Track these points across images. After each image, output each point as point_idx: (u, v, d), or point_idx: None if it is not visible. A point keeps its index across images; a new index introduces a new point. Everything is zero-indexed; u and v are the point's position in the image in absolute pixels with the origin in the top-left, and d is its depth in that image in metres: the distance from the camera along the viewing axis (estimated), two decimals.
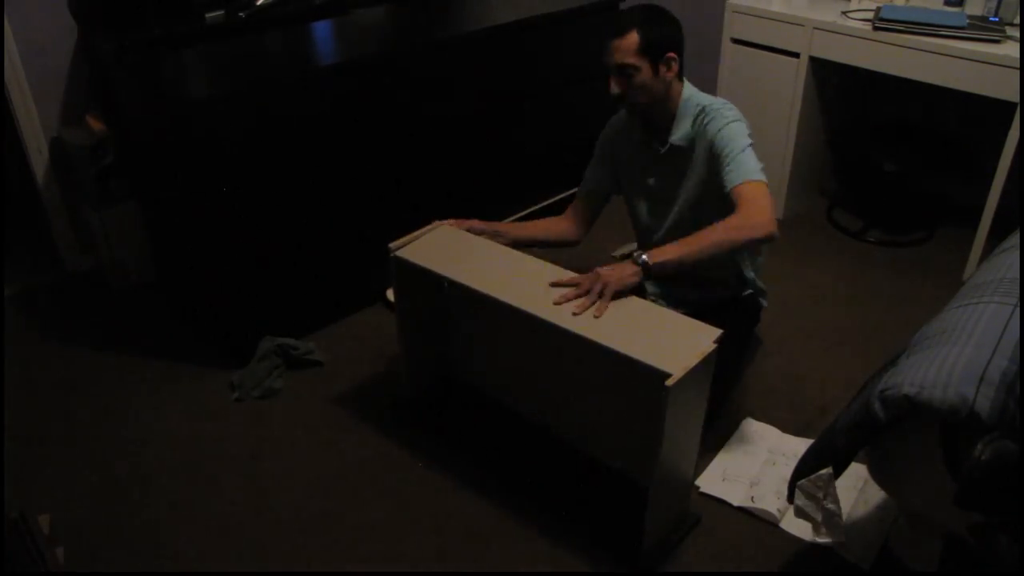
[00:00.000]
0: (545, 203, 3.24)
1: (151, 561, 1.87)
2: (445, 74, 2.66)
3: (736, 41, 3.12)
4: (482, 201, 3.01)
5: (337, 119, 2.41)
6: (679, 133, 2.08)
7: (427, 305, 2.21)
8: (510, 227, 2.30)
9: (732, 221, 1.84)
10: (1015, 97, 2.47)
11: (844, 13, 2.90)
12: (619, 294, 1.81)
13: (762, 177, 1.90)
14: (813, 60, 2.92)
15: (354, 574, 1.83)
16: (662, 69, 1.99)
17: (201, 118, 2.13)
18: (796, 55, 2.95)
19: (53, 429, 2.25)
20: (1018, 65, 2.43)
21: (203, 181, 2.23)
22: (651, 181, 2.20)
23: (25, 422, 2.28)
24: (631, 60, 1.96)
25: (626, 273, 1.82)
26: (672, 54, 2.00)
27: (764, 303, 2.34)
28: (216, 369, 2.45)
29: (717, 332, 1.68)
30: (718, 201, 2.00)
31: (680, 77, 2.06)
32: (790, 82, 3.00)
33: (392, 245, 2.06)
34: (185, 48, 2.47)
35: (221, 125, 2.17)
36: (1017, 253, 1.78)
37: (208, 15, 2.53)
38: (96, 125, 2.67)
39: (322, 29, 2.75)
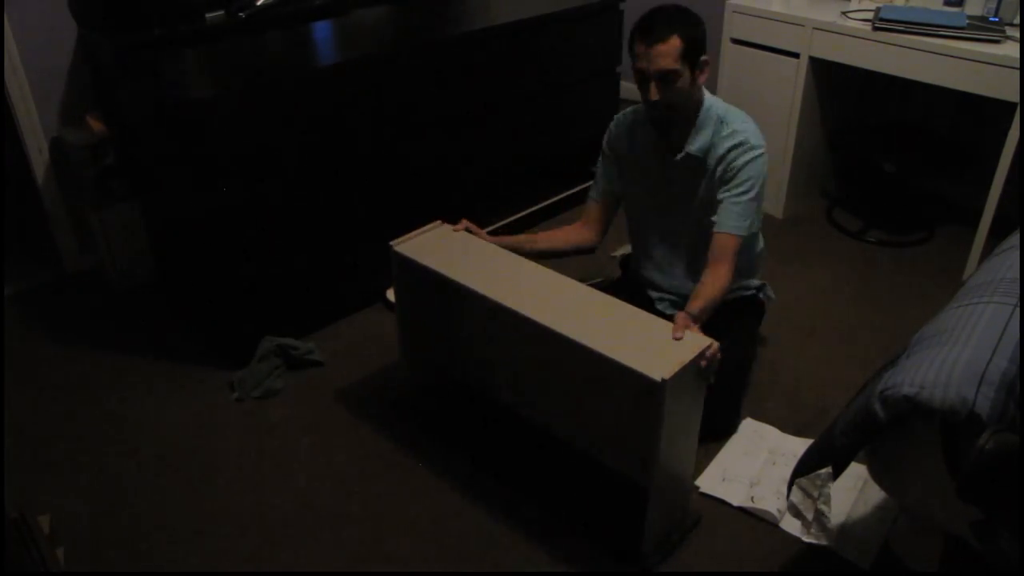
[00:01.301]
0: (545, 203, 3.25)
1: (151, 561, 1.87)
2: (445, 74, 2.66)
3: (736, 41, 3.13)
4: (482, 201, 3.02)
5: (337, 119, 2.41)
6: (697, 144, 2.04)
7: (427, 304, 2.21)
8: (530, 239, 2.28)
9: (722, 281, 1.98)
10: (1015, 97, 2.47)
11: (844, 13, 2.90)
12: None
13: (744, 232, 2.01)
14: (813, 60, 2.93)
15: (354, 574, 1.83)
16: (697, 74, 1.96)
17: (201, 118, 2.13)
18: (796, 55, 2.95)
19: (53, 429, 2.25)
20: (1018, 65, 2.43)
21: (203, 181, 2.23)
22: (656, 185, 2.18)
23: (25, 422, 2.28)
24: (674, 66, 1.90)
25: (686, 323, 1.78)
26: (706, 57, 1.97)
27: (770, 295, 2.34)
28: (216, 369, 2.45)
29: (708, 340, 1.67)
30: (711, 214, 2.05)
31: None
32: (790, 82, 3.00)
33: (393, 242, 2.05)
34: (185, 48, 2.47)
35: (221, 125, 2.17)
36: (1017, 253, 1.78)
37: (208, 15, 2.53)
38: (96, 125, 2.67)
39: (322, 29, 2.75)
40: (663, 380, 1.54)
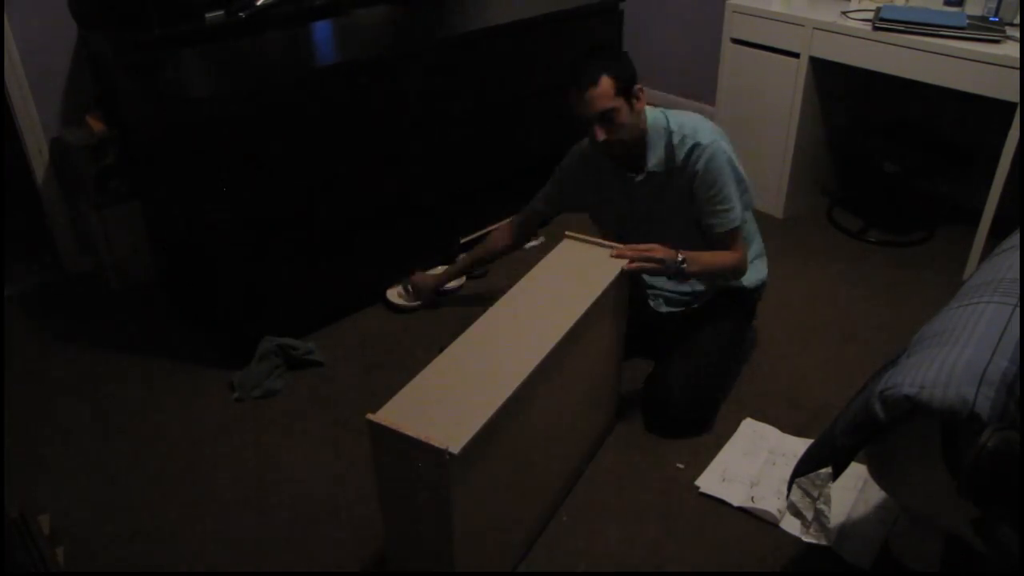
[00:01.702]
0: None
1: (151, 561, 1.87)
2: (445, 74, 2.66)
3: (736, 41, 3.12)
4: (482, 201, 3.02)
5: (337, 119, 2.41)
6: (653, 160, 2.11)
7: None
8: (464, 258, 2.65)
9: (731, 261, 2.12)
10: (1015, 97, 2.47)
11: (844, 13, 2.90)
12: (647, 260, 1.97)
13: (739, 220, 2.10)
14: (813, 60, 2.92)
15: (354, 574, 1.83)
16: (635, 103, 2.02)
17: (201, 118, 2.13)
18: (796, 55, 2.95)
19: (54, 429, 2.25)
20: (1018, 65, 2.43)
21: (203, 181, 2.23)
22: (626, 205, 2.23)
23: (26, 422, 2.28)
24: (611, 104, 1.97)
25: (668, 262, 1.99)
26: (638, 85, 2.04)
27: (757, 281, 2.35)
28: (216, 369, 2.45)
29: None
30: (692, 226, 2.12)
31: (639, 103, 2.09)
32: (790, 82, 3.00)
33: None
34: (185, 48, 2.47)
35: (221, 125, 2.17)
36: (1017, 253, 1.78)
37: (208, 15, 2.53)
38: (96, 125, 2.67)
39: (322, 29, 2.75)
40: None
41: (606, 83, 1.96)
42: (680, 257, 2.01)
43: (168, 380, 2.43)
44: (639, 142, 2.09)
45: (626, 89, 1.99)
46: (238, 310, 2.43)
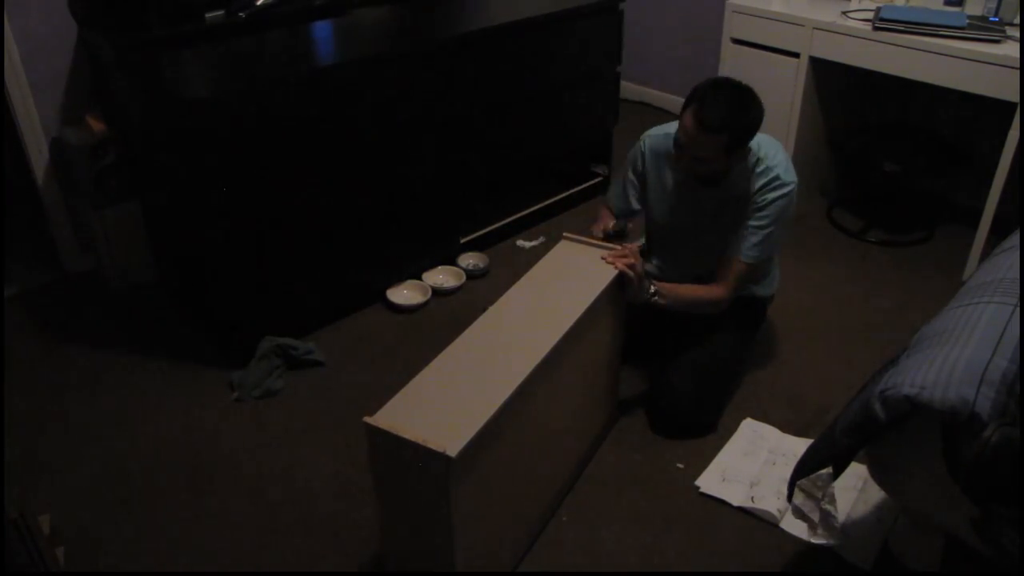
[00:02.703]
0: (546, 202, 3.25)
1: (151, 561, 1.87)
2: (445, 74, 2.66)
3: (736, 41, 3.12)
4: (482, 200, 3.02)
5: (337, 119, 2.41)
6: (732, 183, 2.09)
7: None
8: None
9: (711, 297, 2.12)
10: (1015, 97, 2.47)
11: (844, 13, 2.90)
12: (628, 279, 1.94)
13: (752, 262, 2.09)
14: (813, 60, 2.92)
15: (353, 574, 1.83)
16: (735, 158, 2.00)
17: (201, 118, 2.13)
18: (796, 55, 2.95)
19: (53, 429, 2.25)
20: (1018, 65, 2.43)
21: (203, 181, 2.23)
22: (683, 209, 2.21)
23: (25, 422, 2.28)
24: (712, 156, 1.95)
25: (640, 287, 1.99)
26: (749, 147, 2.00)
27: (770, 292, 2.34)
28: (216, 369, 2.45)
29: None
30: (733, 233, 2.10)
31: None
32: (790, 82, 3.00)
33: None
34: (185, 48, 2.47)
35: (221, 125, 2.17)
36: (1017, 253, 1.78)
37: (208, 15, 2.53)
38: (96, 125, 2.67)
39: (322, 29, 2.75)
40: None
41: (721, 140, 1.91)
42: (652, 288, 2.01)
43: (168, 380, 2.43)
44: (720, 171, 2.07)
45: (736, 149, 1.96)
46: (238, 310, 2.43)
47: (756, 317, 2.37)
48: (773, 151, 2.07)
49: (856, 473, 1.98)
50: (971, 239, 2.74)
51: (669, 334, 2.31)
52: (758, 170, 2.05)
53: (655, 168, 2.22)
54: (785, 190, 2.04)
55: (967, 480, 1.31)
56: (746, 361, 2.41)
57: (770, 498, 1.96)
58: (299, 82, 2.31)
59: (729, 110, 1.90)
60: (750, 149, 2.04)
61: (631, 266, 1.94)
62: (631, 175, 2.27)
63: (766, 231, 2.07)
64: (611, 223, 2.23)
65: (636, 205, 2.30)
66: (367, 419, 1.50)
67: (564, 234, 2.08)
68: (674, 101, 4.06)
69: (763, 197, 2.05)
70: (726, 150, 1.94)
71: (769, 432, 2.19)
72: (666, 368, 2.22)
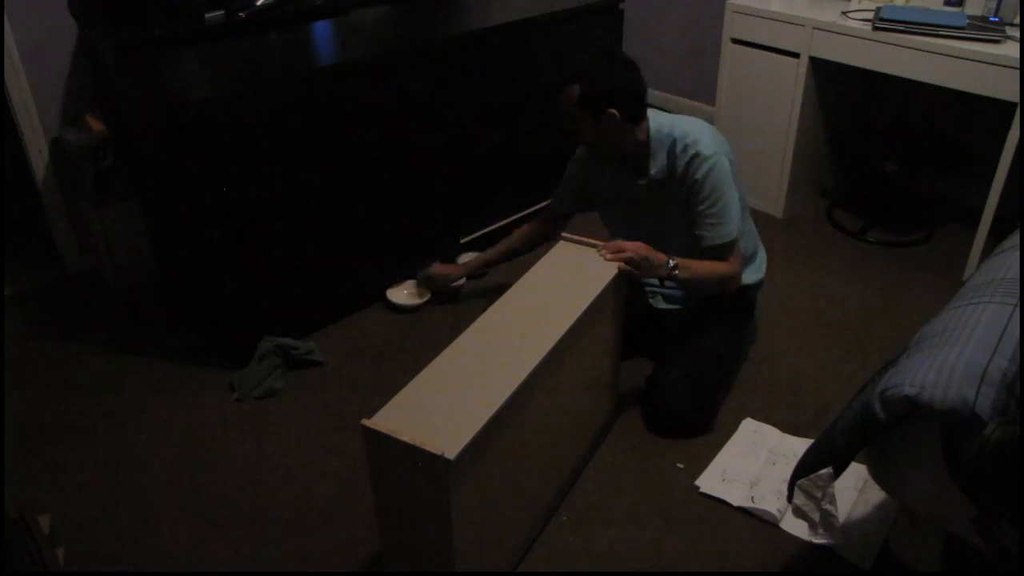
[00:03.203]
0: (545, 203, 3.24)
1: (151, 561, 1.87)
2: (445, 74, 2.66)
3: (736, 41, 3.12)
4: (482, 200, 3.01)
5: (337, 119, 2.41)
6: (656, 168, 2.10)
7: None
8: (491, 251, 2.65)
9: (725, 271, 2.11)
10: (1015, 97, 2.47)
11: (844, 13, 2.89)
12: (633, 268, 1.97)
13: (733, 234, 2.08)
14: (813, 60, 2.92)
15: (353, 574, 1.83)
16: (603, 121, 2.02)
17: (201, 118, 2.13)
18: (796, 55, 2.95)
19: (53, 429, 2.25)
20: (1018, 65, 2.43)
21: (203, 181, 2.23)
22: (629, 204, 2.23)
23: (25, 422, 2.28)
24: (570, 109, 2.03)
25: (654, 265, 2.00)
26: (612, 110, 2.00)
27: (756, 279, 2.34)
28: (216, 369, 2.45)
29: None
30: (689, 234, 2.12)
31: (635, 120, 2.05)
32: (790, 82, 3.00)
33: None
34: (185, 48, 2.47)
35: (221, 125, 2.17)
36: (1017, 253, 1.78)
37: (208, 15, 2.53)
38: (96, 125, 2.67)
39: (322, 29, 2.75)
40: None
41: (572, 91, 2.00)
42: (672, 263, 2.02)
43: (168, 380, 2.43)
44: (633, 150, 2.10)
45: (593, 106, 2.00)
46: (238, 310, 2.43)
47: (745, 309, 2.37)
48: (690, 132, 2.07)
49: (856, 473, 1.98)
50: (971, 239, 2.74)
51: (662, 331, 2.32)
52: (678, 150, 2.06)
53: (596, 172, 2.28)
54: (708, 163, 2.03)
55: (967, 479, 1.31)
56: (739, 357, 2.41)
57: (770, 498, 1.96)
58: (299, 82, 2.31)
59: (582, 63, 2.00)
60: (670, 136, 2.06)
61: (628, 260, 1.96)
62: (570, 172, 2.40)
63: (716, 207, 2.06)
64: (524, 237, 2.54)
65: (571, 207, 2.46)
66: (365, 422, 1.50)
67: (562, 235, 2.08)
68: (674, 101, 4.07)
69: (692, 180, 2.06)
70: (582, 102, 1.99)
71: (769, 432, 2.19)
72: (659, 367, 2.23)
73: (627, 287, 2.07)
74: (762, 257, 2.36)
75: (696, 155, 2.04)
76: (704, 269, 2.10)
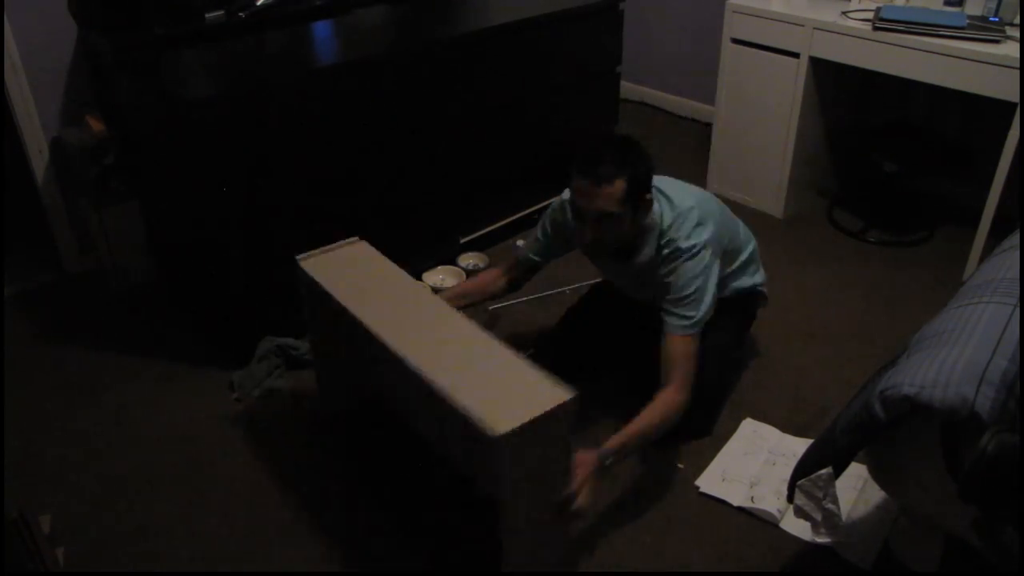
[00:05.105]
0: (545, 203, 3.24)
1: (151, 561, 1.87)
2: (445, 74, 2.66)
3: (736, 41, 3.12)
4: (481, 201, 3.02)
5: (337, 119, 2.41)
6: (643, 256, 1.99)
7: (330, 321, 2.01)
8: (451, 298, 2.25)
9: (672, 402, 1.86)
10: (1015, 97, 2.47)
11: (844, 13, 2.90)
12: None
13: (694, 329, 1.91)
14: (813, 60, 2.93)
15: (353, 574, 1.84)
16: (641, 208, 1.89)
17: (201, 118, 2.13)
18: (796, 55, 2.95)
19: (53, 429, 2.25)
20: (1018, 65, 2.43)
21: (203, 181, 2.23)
22: (611, 273, 2.20)
23: (25, 422, 2.28)
24: (615, 210, 1.82)
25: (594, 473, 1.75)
26: (649, 194, 1.89)
27: (763, 291, 2.33)
28: (216, 369, 2.45)
29: (569, 395, 1.54)
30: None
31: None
32: (790, 82, 3.00)
33: (300, 257, 1.84)
34: (185, 48, 2.47)
35: (221, 125, 2.17)
36: (1017, 253, 1.78)
37: (208, 15, 2.53)
38: (96, 125, 2.67)
39: (322, 29, 2.75)
40: (497, 436, 1.43)
41: (619, 187, 1.79)
42: (608, 460, 1.77)
43: (168, 380, 2.43)
44: (631, 241, 1.97)
45: (637, 196, 1.84)
46: (238, 310, 2.43)
47: (746, 315, 2.36)
48: (678, 223, 1.95)
49: (856, 473, 1.98)
50: (971, 239, 2.74)
51: (655, 332, 2.30)
52: (662, 241, 1.95)
53: (575, 232, 2.09)
54: (688, 255, 1.92)
55: (964, 487, 1.31)
56: (740, 357, 2.41)
57: (770, 498, 1.96)
58: (299, 82, 2.31)
59: (614, 155, 1.81)
60: (660, 231, 1.94)
61: (582, 482, 1.70)
62: (548, 226, 2.19)
63: (689, 298, 1.92)
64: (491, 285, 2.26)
65: (545, 259, 2.25)
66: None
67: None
68: (674, 101, 4.07)
69: (673, 270, 1.94)
70: (627, 199, 1.82)
71: (769, 432, 2.19)
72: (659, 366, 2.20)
73: (609, 296, 2.01)
74: (758, 265, 2.34)
75: (677, 251, 1.93)
76: (644, 426, 1.84)
